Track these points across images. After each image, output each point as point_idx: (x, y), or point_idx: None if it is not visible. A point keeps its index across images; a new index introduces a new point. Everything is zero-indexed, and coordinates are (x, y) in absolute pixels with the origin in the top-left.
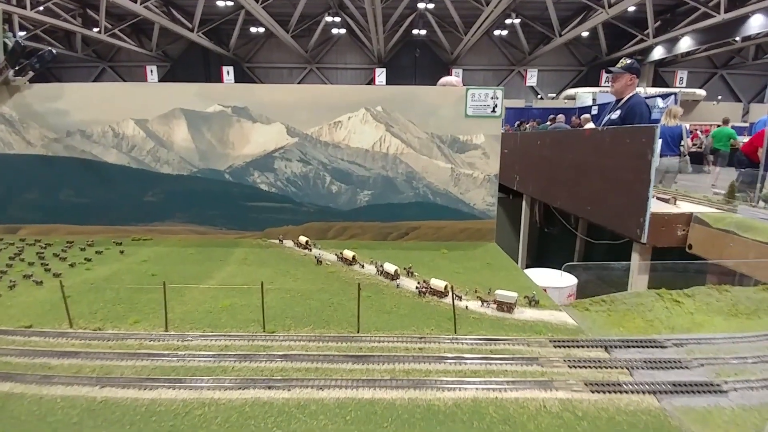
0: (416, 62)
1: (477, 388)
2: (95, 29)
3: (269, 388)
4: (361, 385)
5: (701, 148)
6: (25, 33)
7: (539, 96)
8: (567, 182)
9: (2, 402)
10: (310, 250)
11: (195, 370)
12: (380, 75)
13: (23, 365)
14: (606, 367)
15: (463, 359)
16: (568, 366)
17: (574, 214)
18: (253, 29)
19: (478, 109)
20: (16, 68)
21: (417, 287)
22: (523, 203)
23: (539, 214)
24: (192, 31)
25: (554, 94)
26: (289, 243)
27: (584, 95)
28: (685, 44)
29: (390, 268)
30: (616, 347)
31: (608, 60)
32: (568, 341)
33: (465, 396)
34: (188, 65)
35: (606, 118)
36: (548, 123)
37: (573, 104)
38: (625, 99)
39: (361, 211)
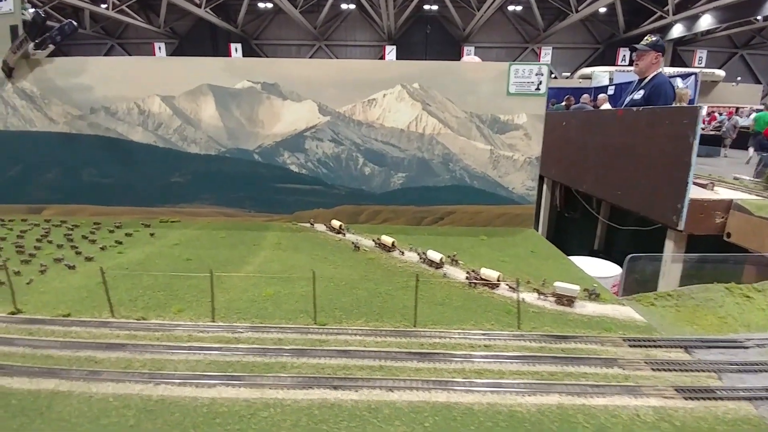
0: (427, 39)
1: (560, 393)
2: (103, 5)
3: (335, 388)
4: (433, 387)
5: (719, 130)
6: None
7: (553, 75)
8: (595, 165)
9: (48, 401)
10: (344, 234)
11: (252, 366)
12: (390, 52)
13: (67, 359)
14: (691, 370)
15: (536, 359)
16: (651, 369)
17: (602, 198)
18: (261, 5)
19: (522, 87)
20: (36, 41)
21: (467, 277)
22: (544, 186)
23: (560, 198)
24: (200, 6)
25: (569, 73)
26: (320, 227)
27: (601, 74)
28: (706, 22)
29: (435, 256)
30: (696, 348)
31: (625, 38)
32: (644, 340)
33: (548, 402)
34: (196, 42)
35: (629, 98)
36: (563, 103)
37: (589, 84)
38: (649, 78)
39: (395, 194)
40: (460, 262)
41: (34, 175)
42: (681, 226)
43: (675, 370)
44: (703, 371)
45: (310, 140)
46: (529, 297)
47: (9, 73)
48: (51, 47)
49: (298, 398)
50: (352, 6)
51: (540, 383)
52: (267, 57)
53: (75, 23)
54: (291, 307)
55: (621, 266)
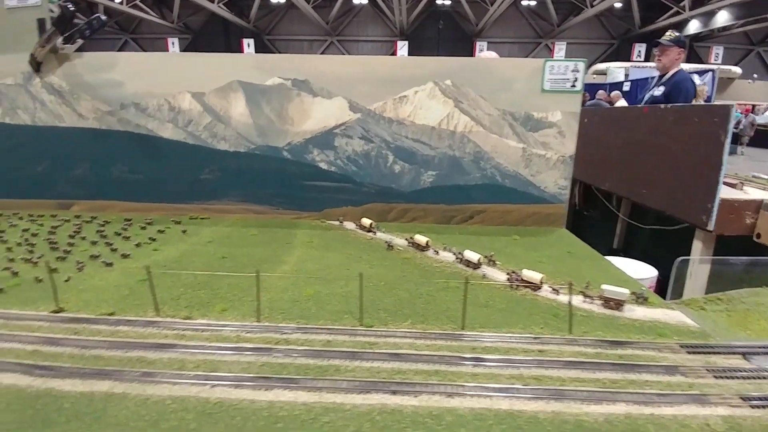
0: (439, 34)
1: (626, 402)
2: (117, 0)
3: (393, 393)
4: (493, 394)
5: (736, 128)
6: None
7: None
8: (618, 163)
9: (103, 404)
10: (375, 233)
11: (306, 368)
12: (402, 48)
13: (118, 360)
14: (754, 378)
15: (594, 366)
16: (714, 376)
17: (626, 197)
18: (273, 0)
19: (556, 84)
20: (65, 35)
21: (508, 279)
22: None
23: (579, 196)
24: (213, 2)
25: None
26: (350, 225)
27: (616, 70)
28: (722, 18)
29: (472, 256)
30: (754, 354)
31: (641, 33)
32: (702, 347)
33: (616, 411)
34: (209, 37)
35: (648, 95)
36: None
37: (603, 80)
38: (670, 74)
39: (424, 192)
40: (497, 262)
41: (63, 170)
42: (711, 227)
43: (737, 377)
44: (765, 378)
45: (339, 137)
46: (575, 300)
47: (37, 67)
48: (79, 42)
49: (356, 403)
50: (365, 1)
51: (603, 391)
52: (279, 52)
53: (103, 18)
54: (334, 308)
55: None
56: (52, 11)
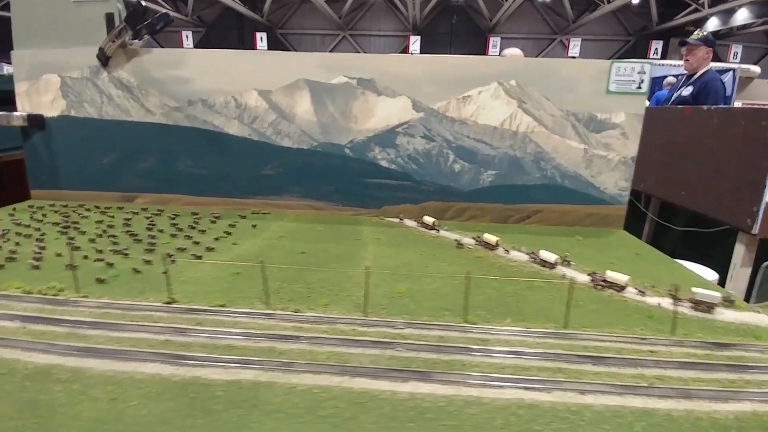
0: (452, 30)
1: (751, 401)
2: None
3: (526, 389)
4: (623, 392)
5: None
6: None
7: None
8: (656, 164)
9: (253, 392)
10: (438, 231)
11: (433, 363)
12: (414, 43)
13: (251, 350)
14: None
15: (709, 367)
16: None
17: (663, 199)
18: None
19: (622, 85)
20: (134, 31)
21: (592, 280)
22: None
23: None
24: None
25: None
26: (410, 223)
27: None
28: (742, 16)
29: (549, 256)
30: None
31: (658, 30)
32: None
33: (743, 408)
34: (223, 31)
35: (676, 95)
36: None
37: None
38: (699, 74)
39: (483, 191)
40: (571, 263)
41: (129, 163)
42: (756, 230)
43: None
44: None
45: (401, 136)
46: (664, 302)
47: (105, 62)
48: (146, 38)
49: (493, 397)
50: None
51: (727, 390)
52: (292, 46)
53: (170, 15)
54: (431, 305)
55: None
56: (119, 7)
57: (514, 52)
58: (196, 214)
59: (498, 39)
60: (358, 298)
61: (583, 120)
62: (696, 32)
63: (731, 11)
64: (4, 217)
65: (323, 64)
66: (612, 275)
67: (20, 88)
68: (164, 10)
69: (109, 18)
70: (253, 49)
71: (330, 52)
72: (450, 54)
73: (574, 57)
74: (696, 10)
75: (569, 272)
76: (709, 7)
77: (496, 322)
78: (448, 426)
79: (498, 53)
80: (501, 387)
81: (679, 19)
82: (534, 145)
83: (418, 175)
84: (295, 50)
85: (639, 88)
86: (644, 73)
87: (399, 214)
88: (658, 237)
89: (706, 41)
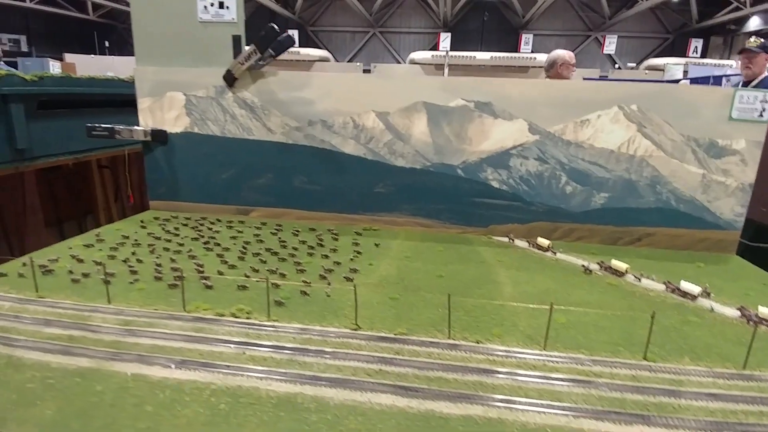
0: (483, 26)
1: None
2: None
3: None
4: None
5: None
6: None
7: (617, 65)
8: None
9: (488, 427)
10: (555, 254)
11: (644, 404)
12: (444, 40)
13: (462, 383)
14: None
15: None
16: None
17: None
18: None
19: (745, 113)
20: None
21: (743, 314)
22: None
23: None
24: None
25: (634, 64)
26: (521, 243)
27: (674, 67)
28: None
29: (691, 288)
30: None
31: (698, 28)
32: None
33: None
34: (255, 28)
35: None
36: None
37: (660, 76)
38: (758, 81)
39: (593, 213)
40: (711, 294)
41: (247, 179)
42: None
43: None
44: None
45: (515, 158)
46: None
47: (231, 82)
48: (270, 59)
49: None
50: None
51: None
52: (322, 43)
53: (292, 37)
54: (599, 339)
55: None
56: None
57: (561, 54)
58: (314, 229)
59: (530, 36)
60: (524, 328)
61: (704, 145)
62: (753, 39)
63: None
64: (139, 229)
65: (443, 87)
66: (765, 311)
67: (143, 104)
68: (288, 33)
69: (236, 40)
70: None
71: (360, 49)
72: (480, 51)
73: (609, 54)
74: (737, 9)
75: (715, 305)
76: (751, 5)
77: (674, 360)
78: None
79: (530, 51)
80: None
81: (720, 18)
82: (651, 169)
83: (528, 195)
84: (325, 47)
85: (761, 116)
86: (767, 102)
87: (507, 234)
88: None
89: (765, 48)
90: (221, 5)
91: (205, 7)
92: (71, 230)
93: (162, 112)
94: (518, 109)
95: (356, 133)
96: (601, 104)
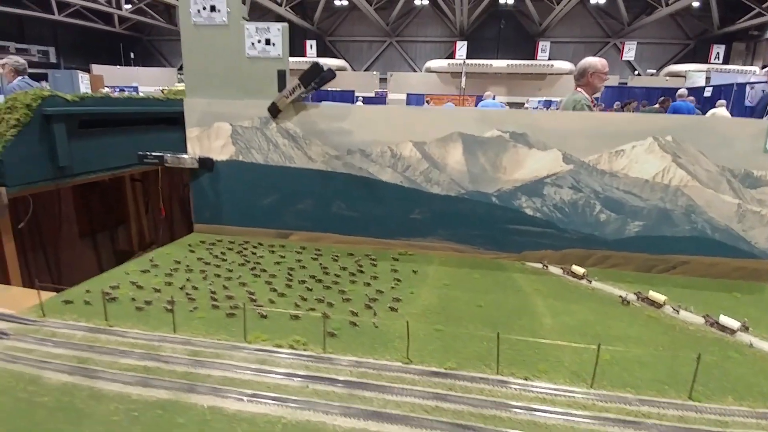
0: (500, 34)
1: None
2: None
3: None
4: None
5: None
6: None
7: (636, 72)
8: None
9: None
10: (590, 282)
11: None
12: (461, 48)
13: (520, 422)
14: None
15: None
16: None
17: None
18: (337, 2)
19: None
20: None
21: None
22: None
23: None
24: (280, 5)
25: (654, 71)
26: (555, 269)
27: (696, 74)
28: None
29: (731, 323)
30: None
31: (720, 34)
32: None
33: None
34: None
35: None
36: (656, 106)
37: (682, 83)
38: None
39: (627, 241)
40: (749, 329)
41: (288, 204)
42: None
43: None
44: None
45: (549, 186)
46: None
47: (275, 114)
48: (312, 92)
49: None
50: (426, 1)
51: None
52: (340, 53)
53: (333, 71)
54: (644, 377)
55: None
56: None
57: (593, 62)
58: (353, 254)
59: (548, 43)
60: (569, 363)
61: (739, 176)
62: None
63: None
64: (188, 253)
65: (480, 118)
66: None
67: (191, 133)
68: (330, 68)
69: (281, 74)
70: (303, 55)
71: (376, 58)
72: (497, 59)
73: (629, 60)
74: (759, 14)
75: (753, 339)
76: None
77: (718, 400)
78: None
79: (547, 58)
80: None
81: (742, 23)
82: (686, 198)
83: (562, 223)
84: (343, 57)
85: None
86: None
87: (541, 260)
88: None
89: None
90: (267, 42)
91: (253, 44)
92: (104, 241)
93: (209, 141)
94: (553, 139)
95: (393, 161)
96: (636, 135)
